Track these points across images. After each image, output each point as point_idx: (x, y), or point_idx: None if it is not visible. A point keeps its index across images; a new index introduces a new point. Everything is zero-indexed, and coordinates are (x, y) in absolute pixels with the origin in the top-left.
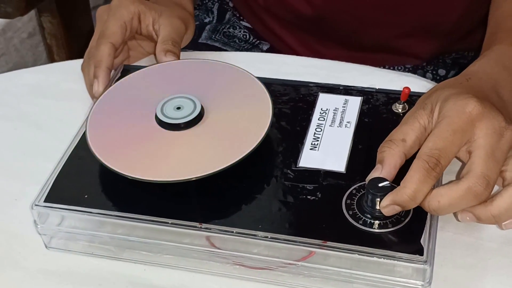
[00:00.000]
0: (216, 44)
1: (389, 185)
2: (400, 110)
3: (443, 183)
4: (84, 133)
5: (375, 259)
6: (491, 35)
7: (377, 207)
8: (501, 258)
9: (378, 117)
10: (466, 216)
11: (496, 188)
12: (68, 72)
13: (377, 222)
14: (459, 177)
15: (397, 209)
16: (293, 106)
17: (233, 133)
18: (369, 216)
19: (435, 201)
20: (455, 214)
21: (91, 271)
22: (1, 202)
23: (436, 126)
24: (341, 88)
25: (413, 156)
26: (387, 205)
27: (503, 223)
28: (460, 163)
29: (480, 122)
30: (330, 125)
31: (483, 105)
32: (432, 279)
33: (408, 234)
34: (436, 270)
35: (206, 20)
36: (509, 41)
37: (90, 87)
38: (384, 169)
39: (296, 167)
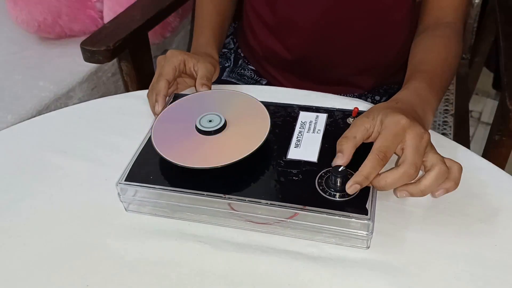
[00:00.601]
0: (233, 80)
1: (345, 169)
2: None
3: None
4: (150, 137)
5: (336, 217)
6: (410, 75)
7: (338, 184)
8: (417, 217)
9: (337, 127)
10: (403, 193)
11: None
12: (138, 98)
13: (338, 193)
14: (396, 165)
15: (358, 187)
16: (283, 120)
17: (244, 137)
18: (333, 190)
19: (383, 181)
20: (395, 192)
21: (154, 226)
22: (97, 182)
23: (382, 132)
24: (313, 108)
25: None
26: (351, 186)
27: (436, 193)
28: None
29: (409, 129)
30: (307, 132)
31: (409, 119)
32: (373, 230)
33: (358, 201)
34: (376, 225)
35: (226, 65)
36: (421, 79)
37: (153, 108)
38: (344, 156)
39: (285, 159)
